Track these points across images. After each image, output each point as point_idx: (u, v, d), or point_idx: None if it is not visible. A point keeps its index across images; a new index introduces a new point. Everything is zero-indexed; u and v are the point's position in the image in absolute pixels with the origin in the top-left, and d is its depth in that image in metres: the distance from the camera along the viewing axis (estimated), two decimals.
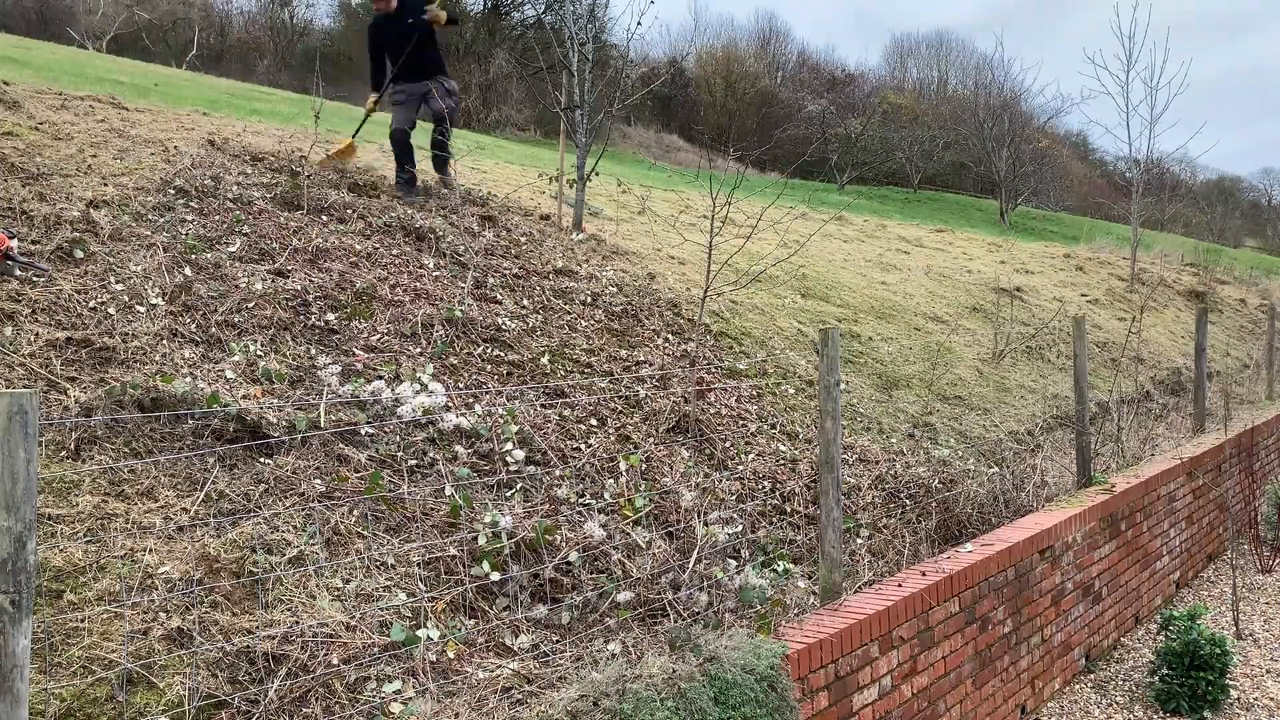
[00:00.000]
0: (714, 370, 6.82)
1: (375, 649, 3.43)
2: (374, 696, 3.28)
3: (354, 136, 8.67)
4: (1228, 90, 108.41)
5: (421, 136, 8.60)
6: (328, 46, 37.19)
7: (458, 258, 6.80)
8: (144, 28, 31.79)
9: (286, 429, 4.30)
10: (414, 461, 4.51)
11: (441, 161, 8.54)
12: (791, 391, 7.18)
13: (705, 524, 4.69)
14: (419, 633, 3.55)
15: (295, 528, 3.81)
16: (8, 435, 2.20)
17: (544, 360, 5.92)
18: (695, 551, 4.43)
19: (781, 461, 5.88)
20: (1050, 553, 5.86)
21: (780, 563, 4.87)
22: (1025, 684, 5.64)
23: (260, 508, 3.86)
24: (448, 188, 8.37)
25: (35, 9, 32.17)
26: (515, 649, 3.74)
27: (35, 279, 4.79)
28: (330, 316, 5.45)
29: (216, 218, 6.07)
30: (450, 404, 4.97)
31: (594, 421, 5.50)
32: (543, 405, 5.37)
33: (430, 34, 8.38)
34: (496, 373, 5.61)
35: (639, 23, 20.44)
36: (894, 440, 6.89)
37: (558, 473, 4.82)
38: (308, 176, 7.04)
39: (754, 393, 6.92)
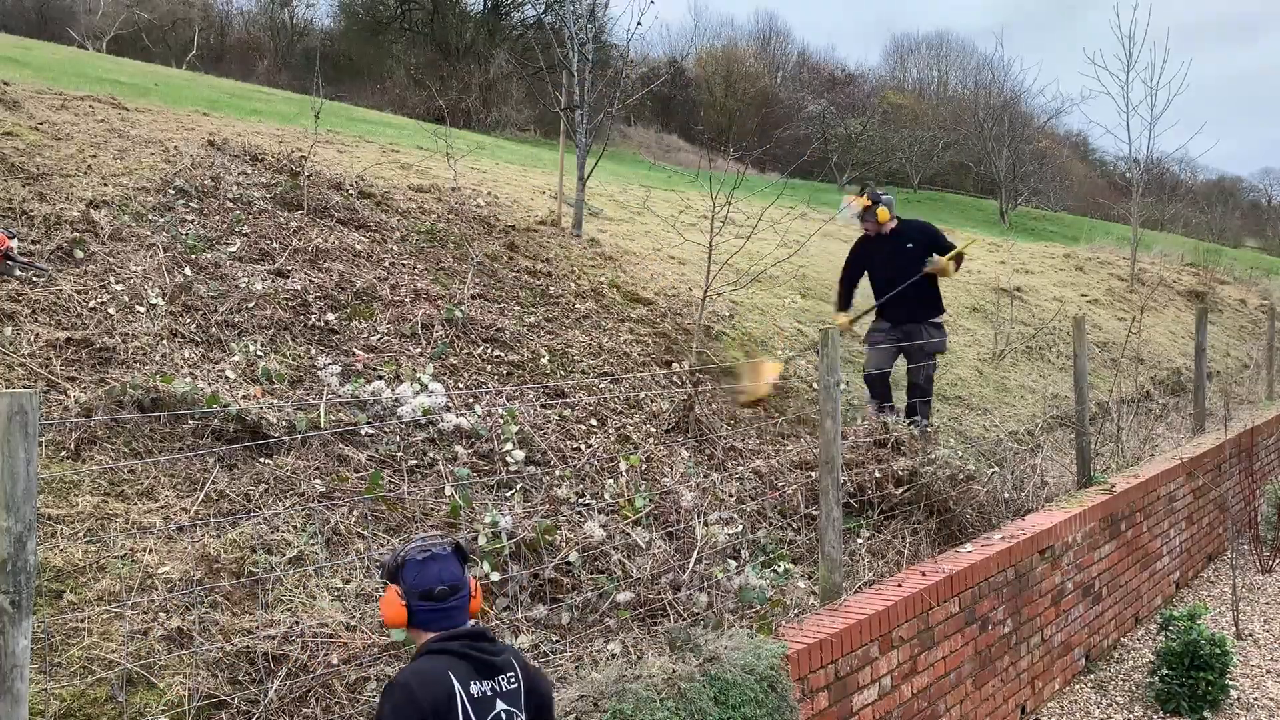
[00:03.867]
0: (713, 370, 6.82)
1: (375, 649, 3.43)
2: (374, 697, 3.27)
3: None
4: (1230, 93, 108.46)
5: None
6: (328, 46, 37.18)
7: (460, 258, 6.81)
8: (144, 28, 31.78)
9: (286, 429, 4.30)
10: (414, 461, 4.51)
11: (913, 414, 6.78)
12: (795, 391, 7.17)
13: (705, 524, 4.69)
14: None
15: (295, 528, 3.81)
16: (8, 435, 2.20)
17: (544, 360, 5.92)
18: (695, 552, 4.43)
19: (782, 461, 5.88)
20: (1050, 553, 5.86)
21: (780, 563, 4.87)
22: (1025, 684, 5.64)
23: (260, 508, 3.86)
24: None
25: (35, 9, 32.17)
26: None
27: (35, 279, 4.79)
28: (330, 316, 5.45)
29: (216, 218, 6.07)
30: (450, 404, 4.97)
31: (594, 421, 5.50)
32: (542, 405, 5.37)
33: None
34: (496, 373, 5.61)
35: (639, 23, 20.50)
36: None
37: (558, 473, 4.82)
38: (307, 177, 7.04)
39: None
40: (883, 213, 7.12)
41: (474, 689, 2.49)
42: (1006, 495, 6.11)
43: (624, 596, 4.09)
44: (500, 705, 2.53)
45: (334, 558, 3.78)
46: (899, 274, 6.99)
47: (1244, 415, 10.50)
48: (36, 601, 3.05)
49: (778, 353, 7.66)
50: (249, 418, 4.21)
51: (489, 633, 2.66)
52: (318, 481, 4.11)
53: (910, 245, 7.09)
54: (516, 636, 3.80)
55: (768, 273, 8.65)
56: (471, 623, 2.66)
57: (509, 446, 4.79)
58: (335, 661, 3.34)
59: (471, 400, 5.16)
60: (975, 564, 5.12)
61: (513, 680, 2.59)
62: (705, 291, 6.99)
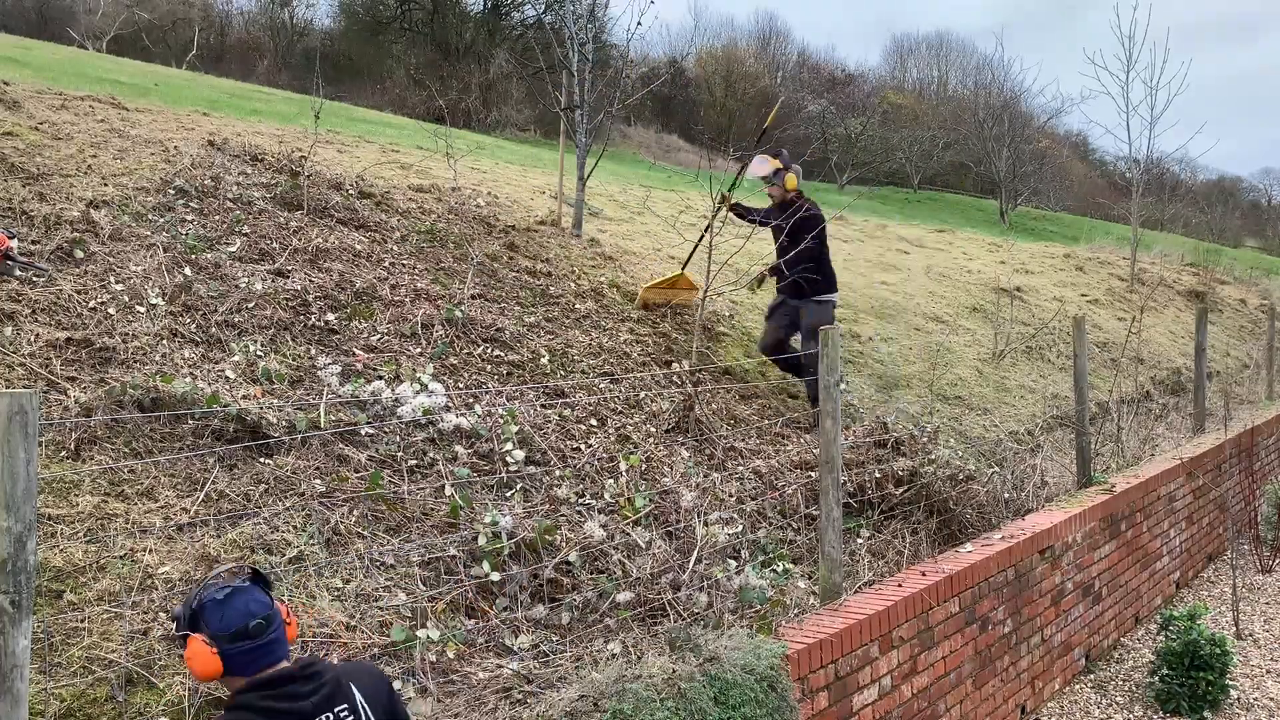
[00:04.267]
0: (712, 370, 6.82)
1: (375, 649, 3.43)
2: None
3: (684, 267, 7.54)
4: (1230, 93, 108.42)
5: None
6: (328, 46, 37.18)
7: (460, 258, 6.81)
8: (144, 28, 31.78)
9: (286, 429, 4.30)
10: (414, 461, 4.51)
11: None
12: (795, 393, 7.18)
13: (705, 524, 4.69)
14: (419, 633, 3.55)
15: (295, 528, 3.81)
16: (8, 435, 2.20)
17: (544, 360, 5.92)
18: (695, 551, 4.43)
19: (782, 461, 5.87)
20: (1050, 553, 5.86)
21: (780, 563, 4.87)
22: (1025, 684, 5.64)
23: (260, 508, 3.86)
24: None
25: (35, 9, 32.17)
26: (515, 649, 3.74)
27: (35, 279, 4.79)
28: (330, 316, 5.45)
29: (216, 218, 6.07)
30: (450, 404, 4.97)
31: (594, 421, 5.50)
32: (543, 405, 5.37)
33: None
34: (496, 373, 5.61)
35: (639, 23, 20.49)
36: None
37: (557, 473, 4.82)
38: (307, 177, 7.04)
39: (753, 393, 6.92)
40: (790, 180, 6.98)
41: None
42: (1006, 495, 6.11)
43: (624, 596, 4.09)
44: None
45: (334, 558, 3.78)
46: (782, 250, 7.02)
47: (1244, 415, 10.50)
48: (36, 601, 3.05)
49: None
50: (249, 418, 4.21)
51: (312, 664, 2.40)
52: (318, 481, 4.11)
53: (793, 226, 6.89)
54: (517, 636, 3.81)
55: (765, 262, 8.64)
56: (291, 651, 2.41)
57: (509, 447, 4.80)
58: (335, 661, 3.34)
59: (471, 400, 5.16)
60: (975, 564, 5.12)
61: (345, 713, 2.37)
62: (705, 291, 6.99)
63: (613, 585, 4.09)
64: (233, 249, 5.76)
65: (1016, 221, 35.94)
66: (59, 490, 3.63)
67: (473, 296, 6.32)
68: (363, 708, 2.41)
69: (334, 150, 9.86)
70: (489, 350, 5.78)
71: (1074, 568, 6.15)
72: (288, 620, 2.44)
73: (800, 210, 6.90)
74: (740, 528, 4.90)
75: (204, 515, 3.75)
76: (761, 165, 7.03)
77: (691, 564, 4.34)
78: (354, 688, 2.42)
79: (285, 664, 2.38)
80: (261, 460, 4.14)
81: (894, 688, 4.50)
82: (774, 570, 4.76)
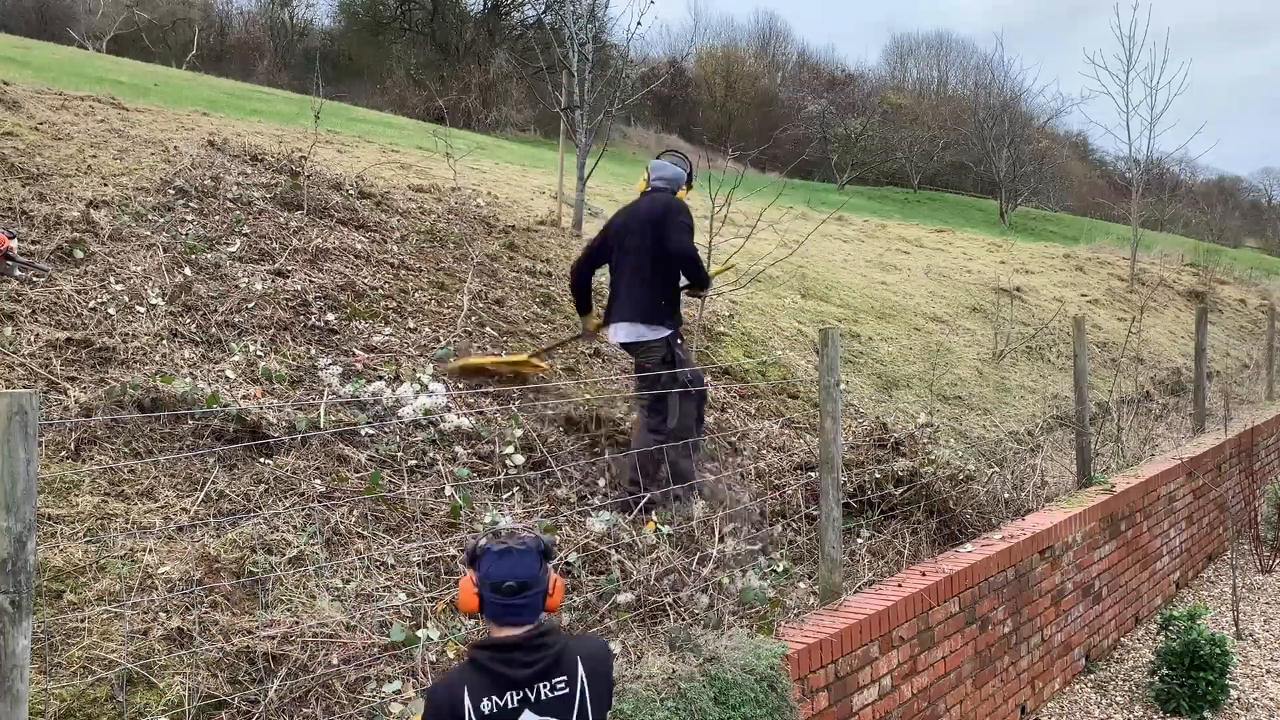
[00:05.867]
0: (712, 370, 6.82)
1: (375, 649, 3.43)
2: (374, 697, 3.27)
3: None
4: (1242, 93, 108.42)
5: None
6: (328, 46, 37.19)
7: (460, 258, 6.81)
8: (144, 28, 31.78)
9: (286, 429, 4.29)
10: (414, 462, 4.51)
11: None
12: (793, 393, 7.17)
13: (721, 538, 4.68)
14: (419, 633, 3.54)
15: (295, 528, 3.81)
16: (8, 435, 2.20)
17: (544, 360, 5.92)
18: (697, 552, 4.42)
19: (782, 461, 5.87)
20: (1050, 553, 5.86)
21: (780, 563, 4.86)
22: (1025, 684, 5.64)
23: (260, 508, 3.86)
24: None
25: (35, 9, 32.17)
26: None
27: (35, 279, 4.79)
28: (330, 316, 5.45)
29: (216, 218, 6.07)
30: (451, 405, 4.97)
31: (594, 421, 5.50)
32: (543, 406, 5.37)
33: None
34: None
35: (639, 23, 20.50)
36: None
37: (558, 473, 4.82)
38: (307, 177, 7.04)
39: (753, 393, 6.92)
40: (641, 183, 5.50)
41: (485, 706, 2.49)
42: (1006, 495, 6.11)
43: (624, 598, 4.09)
44: (529, 717, 2.52)
45: (334, 558, 3.78)
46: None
47: (1244, 415, 10.50)
48: (36, 601, 3.05)
49: (777, 352, 7.65)
50: (249, 418, 4.21)
51: (547, 633, 2.60)
52: (318, 481, 4.11)
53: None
54: None
55: (767, 273, 8.65)
56: (543, 617, 2.62)
57: (510, 450, 4.79)
58: (335, 661, 3.34)
59: (472, 400, 5.16)
60: (975, 564, 5.12)
61: (561, 686, 2.54)
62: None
63: (612, 585, 4.09)
64: (233, 249, 5.76)
65: (1016, 221, 35.94)
66: (59, 490, 3.63)
67: (473, 296, 6.32)
68: (582, 681, 2.57)
69: (334, 150, 9.86)
70: (489, 350, 5.78)
71: (1074, 568, 6.15)
72: (550, 592, 2.62)
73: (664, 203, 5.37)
74: (744, 541, 4.89)
75: (204, 515, 3.75)
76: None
77: (693, 565, 4.33)
78: (579, 661, 2.60)
79: (529, 628, 2.57)
80: (261, 460, 4.14)
81: (894, 688, 4.50)
82: (774, 570, 4.76)
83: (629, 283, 5.14)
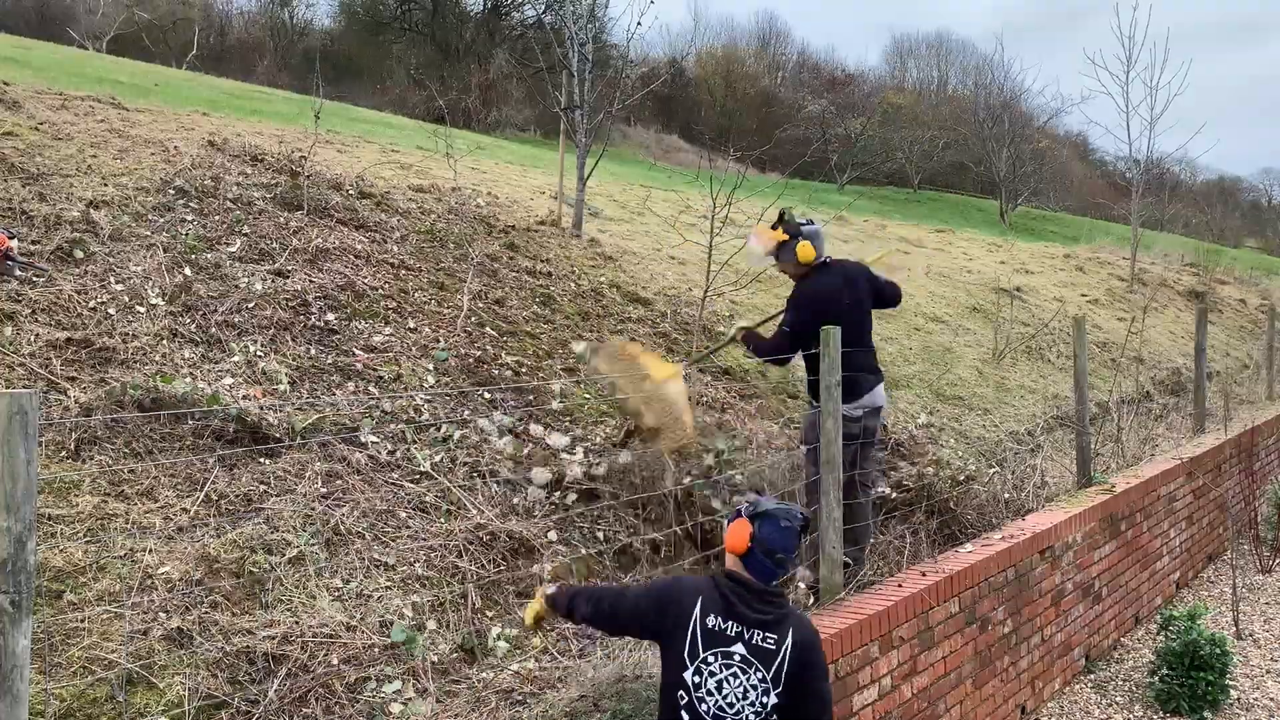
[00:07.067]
0: (711, 369, 6.82)
1: (375, 649, 3.43)
2: (374, 697, 3.28)
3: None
4: (1232, 94, 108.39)
5: None
6: (328, 46, 37.16)
7: (460, 258, 6.81)
8: (144, 28, 31.77)
9: (287, 430, 4.30)
10: (414, 462, 4.51)
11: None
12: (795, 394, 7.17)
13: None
14: (419, 633, 3.55)
15: (295, 528, 3.81)
16: (8, 435, 2.20)
17: (545, 361, 5.92)
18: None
19: (782, 461, 5.87)
20: (1050, 553, 5.86)
21: None
22: (1025, 684, 5.64)
23: (260, 508, 3.86)
24: None
25: (35, 9, 32.16)
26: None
27: (35, 279, 4.79)
28: (330, 316, 5.45)
29: (216, 218, 6.07)
30: (450, 405, 4.97)
31: (594, 421, 5.50)
32: (543, 407, 5.37)
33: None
34: (499, 375, 5.60)
35: (639, 23, 20.50)
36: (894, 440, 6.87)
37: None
38: (307, 177, 7.04)
39: (753, 393, 6.92)
40: (804, 249, 5.08)
41: (711, 621, 2.85)
42: (1006, 495, 6.10)
43: None
44: (739, 650, 2.84)
45: (334, 558, 3.78)
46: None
47: (1244, 415, 10.49)
48: (36, 601, 3.05)
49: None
50: (249, 418, 4.21)
51: (776, 594, 2.93)
52: (318, 482, 4.11)
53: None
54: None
55: (767, 272, 8.65)
56: (774, 584, 2.94)
57: (510, 449, 4.79)
58: (335, 661, 3.34)
59: (471, 400, 5.16)
60: (975, 564, 5.11)
61: (770, 642, 2.86)
62: (705, 291, 6.99)
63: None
64: (233, 249, 5.76)
65: (1016, 221, 35.93)
66: (59, 490, 3.63)
67: (473, 297, 6.32)
68: (787, 647, 2.87)
69: (334, 150, 9.86)
70: (489, 350, 5.78)
71: (1074, 568, 6.14)
72: (789, 567, 2.97)
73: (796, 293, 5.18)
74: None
75: (204, 515, 3.75)
76: (761, 241, 5.18)
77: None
78: (791, 630, 2.90)
79: (769, 584, 2.92)
80: (262, 460, 4.14)
81: (894, 688, 4.49)
82: None
83: (867, 339, 5.17)
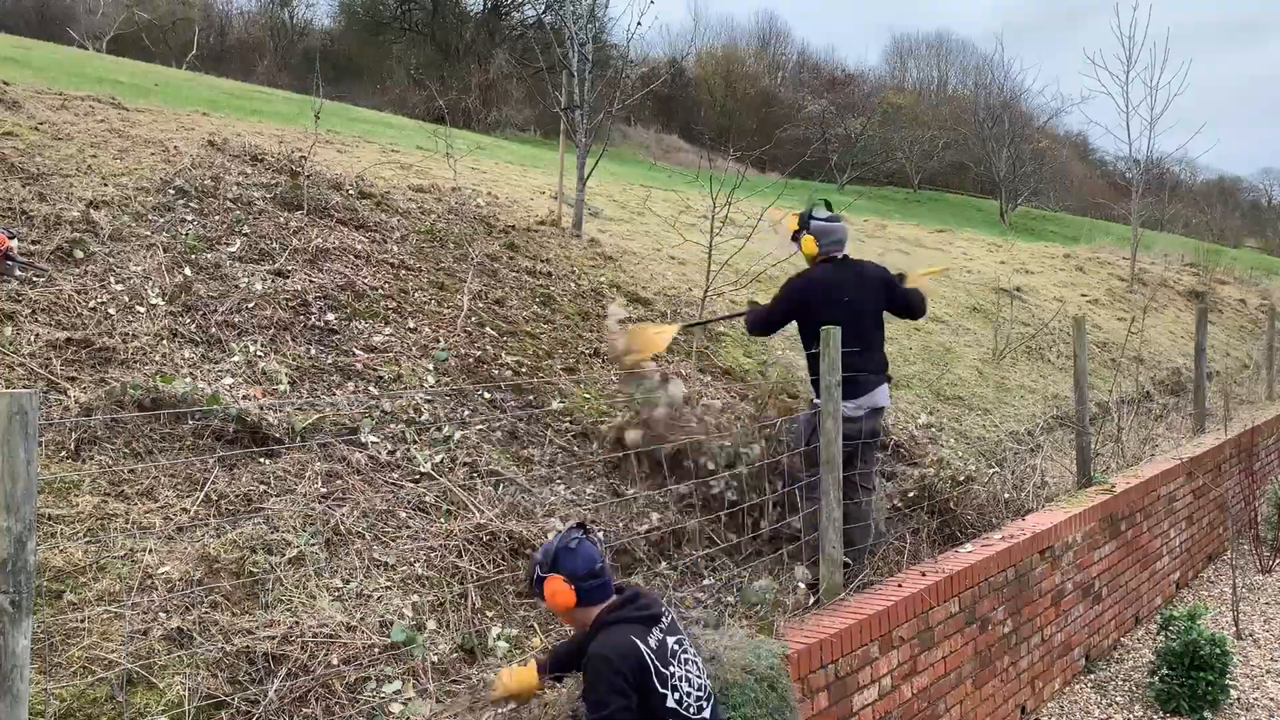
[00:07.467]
0: (712, 369, 6.82)
1: (375, 649, 3.43)
2: (374, 697, 3.28)
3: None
4: (1232, 94, 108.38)
5: None
6: (328, 46, 37.15)
7: (460, 258, 6.81)
8: (144, 28, 31.76)
9: (287, 430, 4.30)
10: (413, 463, 4.51)
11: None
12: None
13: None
14: (419, 633, 3.55)
15: (295, 528, 3.81)
16: (8, 435, 2.20)
17: (545, 361, 5.92)
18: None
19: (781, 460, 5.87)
20: (1050, 553, 5.86)
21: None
22: (1025, 684, 5.64)
23: (260, 508, 3.86)
24: None
25: (35, 9, 32.16)
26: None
27: (35, 279, 4.79)
28: (330, 316, 5.45)
29: (216, 218, 6.07)
30: (450, 405, 4.97)
31: (594, 421, 5.50)
32: (543, 407, 5.37)
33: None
34: (499, 375, 5.61)
35: (639, 23, 20.49)
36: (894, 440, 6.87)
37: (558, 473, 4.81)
38: (307, 177, 7.04)
39: (753, 392, 6.92)
40: (807, 242, 5.25)
41: (651, 640, 2.97)
42: (1006, 495, 6.10)
43: None
44: (671, 641, 3.02)
45: (334, 558, 3.78)
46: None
47: (1244, 415, 10.49)
48: (36, 601, 3.05)
49: (778, 352, 7.64)
50: (249, 418, 4.21)
51: (637, 589, 3.13)
52: (318, 482, 4.11)
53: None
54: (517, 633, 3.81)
55: (767, 273, 8.65)
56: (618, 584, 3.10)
57: (510, 448, 4.79)
58: (335, 661, 3.34)
59: (472, 401, 5.16)
60: (975, 564, 5.12)
61: (666, 617, 3.07)
62: (705, 291, 6.99)
63: None
64: (233, 249, 5.76)
65: (1016, 221, 35.93)
66: (59, 490, 3.63)
67: (473, 297, 6.32)
68: (674, 616, 3.14)
69: (334, 150, 9.86)
70: (489, 350, 5.78)
71: (1074, 568, 6.14)
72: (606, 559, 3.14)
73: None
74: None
75: (204, 515, 3.75)
76: (784, 228, 5.43)
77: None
78: (665, 602, 3.21)
79: (624, 590, 3.10)
80: (261, 460, 4.14)
81: (894, 688, 4.49)
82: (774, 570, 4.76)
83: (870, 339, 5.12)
